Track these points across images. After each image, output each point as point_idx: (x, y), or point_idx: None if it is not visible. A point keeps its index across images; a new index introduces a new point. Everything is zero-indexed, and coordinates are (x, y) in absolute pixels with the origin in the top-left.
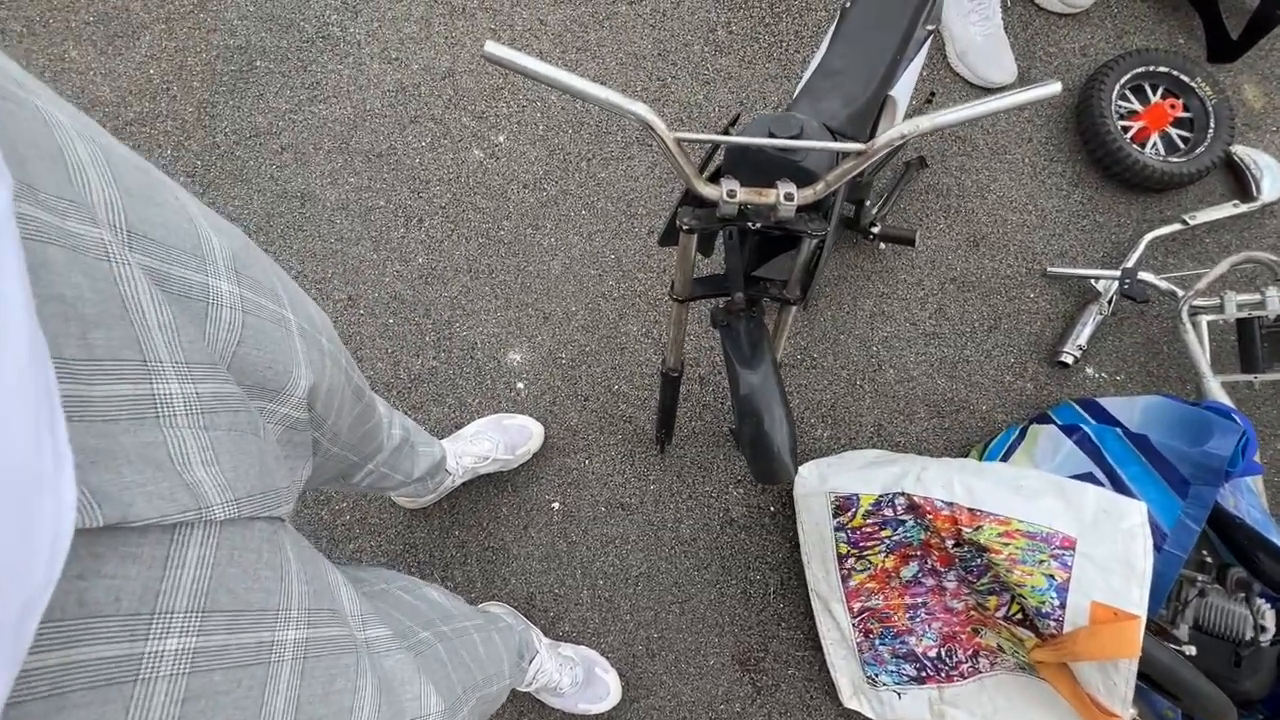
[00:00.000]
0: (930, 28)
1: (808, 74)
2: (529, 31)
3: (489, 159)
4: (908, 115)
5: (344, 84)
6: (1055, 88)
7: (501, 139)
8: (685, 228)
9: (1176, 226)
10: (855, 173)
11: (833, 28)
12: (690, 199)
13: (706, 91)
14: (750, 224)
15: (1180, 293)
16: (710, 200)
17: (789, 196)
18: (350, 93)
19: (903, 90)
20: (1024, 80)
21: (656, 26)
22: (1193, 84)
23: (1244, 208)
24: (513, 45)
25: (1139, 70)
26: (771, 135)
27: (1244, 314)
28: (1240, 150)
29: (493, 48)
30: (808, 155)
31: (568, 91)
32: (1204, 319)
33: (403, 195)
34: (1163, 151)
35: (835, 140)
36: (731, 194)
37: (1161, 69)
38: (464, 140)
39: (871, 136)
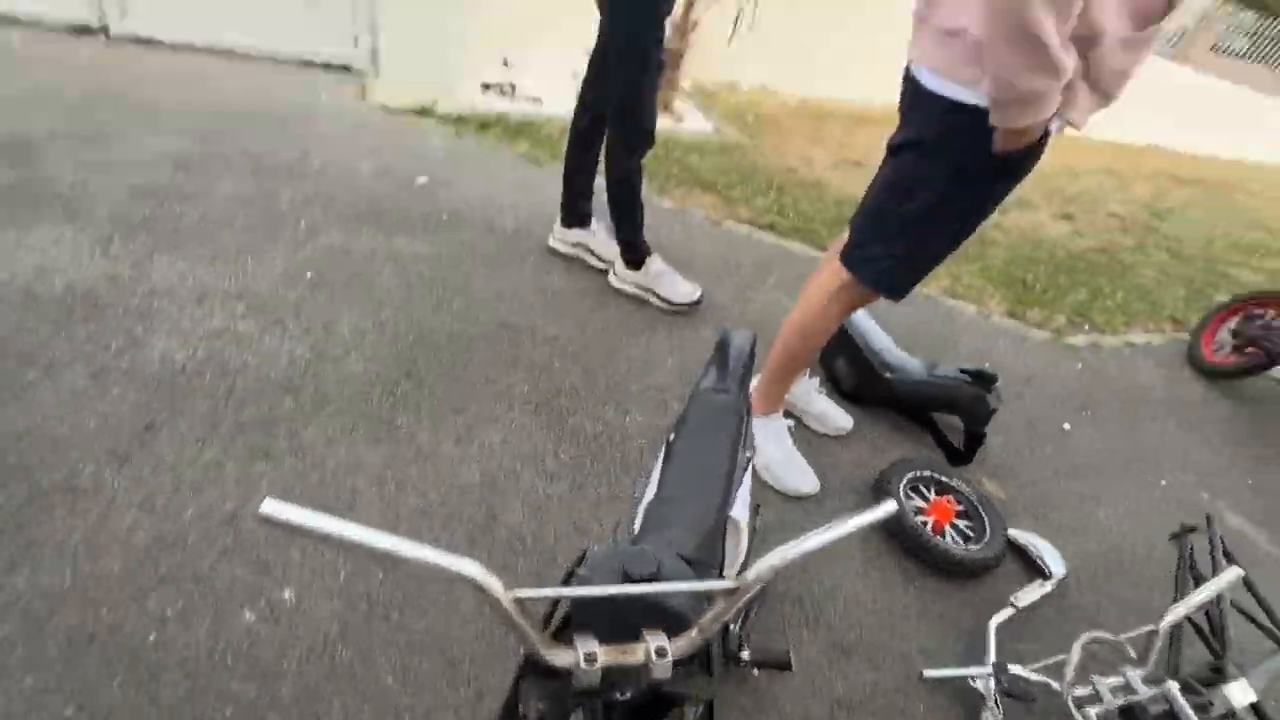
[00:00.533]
0: (748, 454)
1: (645, 502)
2: (343, 470)
3: (263, 622)
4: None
5: (71, 544)
6: (891, 507)
7: (287, 594)
8: (534, 713)
9: (1009, 611)
10: (729, 613)
11: (660, 457)
12: (534, 667)
13: (539, 519)
14: (618, 694)
15: (1054, 684)
16: (562, 669)
17: (661, 652)
18: (77, 554)
19: (740, 511)
20: (824, 485)
21: (483, 459)
22: (952, 483)
23: (1048, 585)
24: (322, 486)
25: (910, 475)
26: (628, 577)
27: (1121, 700)
28: (1017, 534)
29: (271, 507)
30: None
31: (372, 554)
32: (1091, 710)
33: (108, 694)
34: (960, 541)
35: (693, 571)
36: (591, 658)
37: (925, 472)
38: (231, 602)
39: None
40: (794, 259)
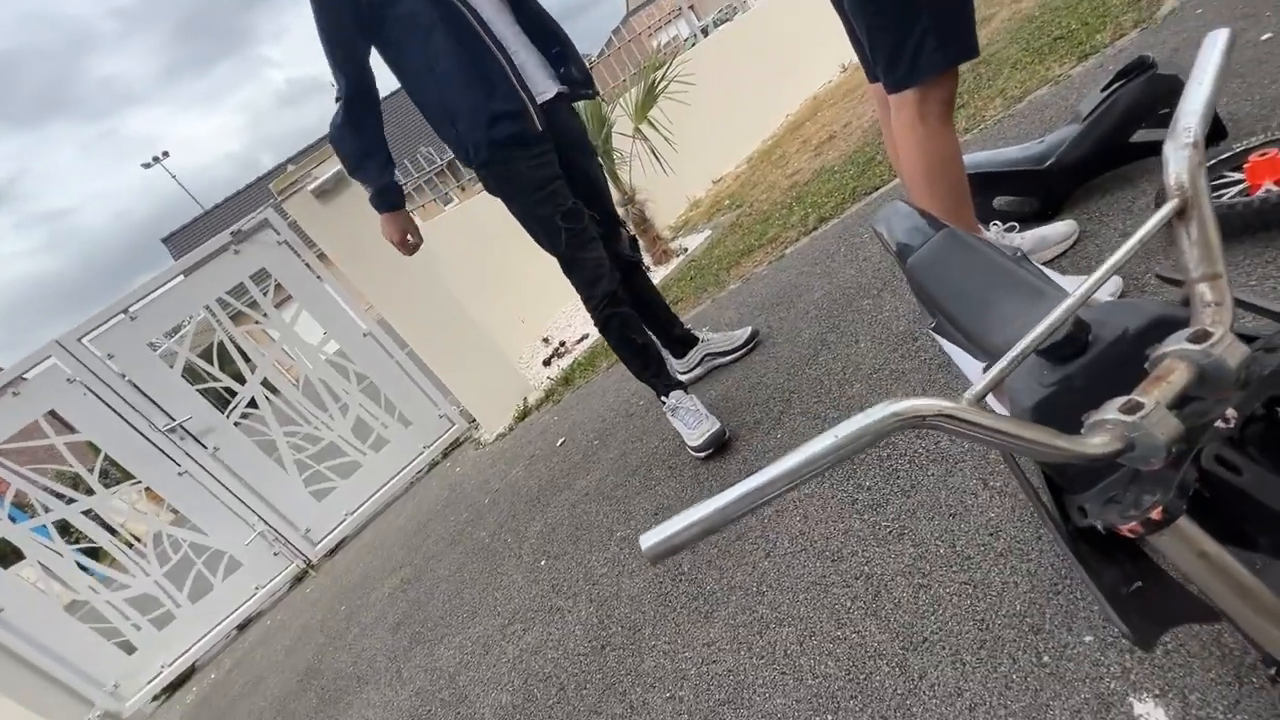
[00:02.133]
0: (1016, 248)
1: (981, 365)
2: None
3: None
4: None
5: None
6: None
7: None
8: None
9: None
10: None
11: (949, 342)
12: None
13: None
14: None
15: None
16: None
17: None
18: None
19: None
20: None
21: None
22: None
23: None
24: None
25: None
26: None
27: None
28: None
29: (650, 539)
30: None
31: (784, 482)
32: None
33: None
34: None
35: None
36: (1133, 406)
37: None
38: None
39: None
40: (874, 200)
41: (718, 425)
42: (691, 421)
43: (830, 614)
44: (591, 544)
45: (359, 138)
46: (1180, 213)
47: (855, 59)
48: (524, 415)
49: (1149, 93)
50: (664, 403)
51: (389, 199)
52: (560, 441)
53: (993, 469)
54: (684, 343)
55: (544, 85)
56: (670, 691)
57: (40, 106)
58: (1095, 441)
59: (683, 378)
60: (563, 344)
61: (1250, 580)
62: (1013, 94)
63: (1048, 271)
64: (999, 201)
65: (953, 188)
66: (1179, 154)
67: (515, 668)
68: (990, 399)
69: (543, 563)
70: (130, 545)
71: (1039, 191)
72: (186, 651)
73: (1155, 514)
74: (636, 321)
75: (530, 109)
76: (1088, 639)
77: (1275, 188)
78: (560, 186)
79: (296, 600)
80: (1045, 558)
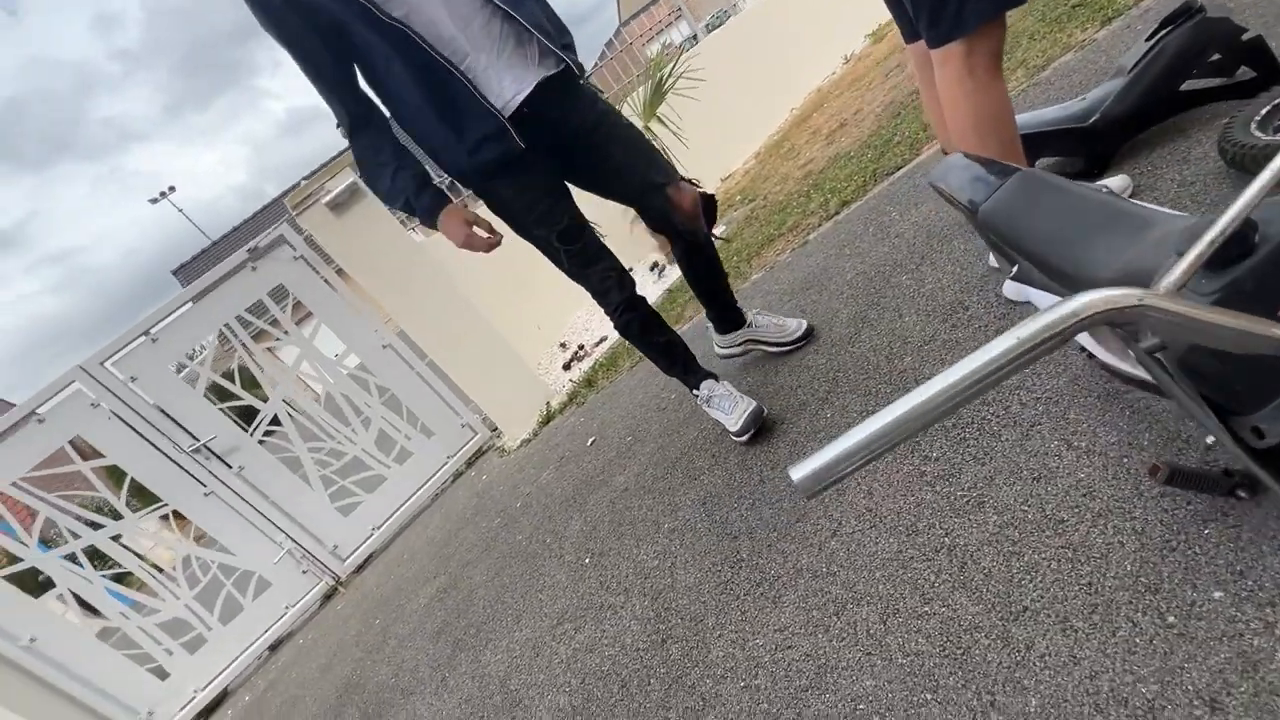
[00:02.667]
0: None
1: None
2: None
3: None
4: None
5: None
6: None
7: None
8: None
9: None
10: None
11: (1029, 286)
12: None
13: None
14: None
15: None
16: None
17: None
18: None
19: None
20: None
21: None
22: None
23: None
24: None
25: (1262, 112)
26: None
27: None
28: None
29: (799, 471)
30: None
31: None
32: None
33: None
34: None
35: None
36: None
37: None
38: None
39: None
40: (897, 180)
41: (754, 404)
42: (727, 407)
43: (913, 589)
44: (638, 538)
45: (378, 163)
46: None
47: (859, 49)
48: (548, 419)
49: (1198, 38)
50: (696, 395)
51: (423, 206)
52: (591, 441)
53: (1075, 429)
54: (731, 322)
55: (517, 83)
56: (745, 681)
57: (47, 149)
58: None
59: (720, 352)
60: (581, 347)
61: None
62: (1034, 64)
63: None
64: (1041, 163)
65: (1005, 142)
66: None
67: (570, 668)
68: (1086, 339)
69: (587, 560)
70: (159, 570)
71: (1084, 149)
72: (219, 674)
73: None
74: (656, 321)
75: (507, 127)
76: (1217, 595)
77: None
78: (552, 206)
79: (328, 617)
80: (1151, 514)
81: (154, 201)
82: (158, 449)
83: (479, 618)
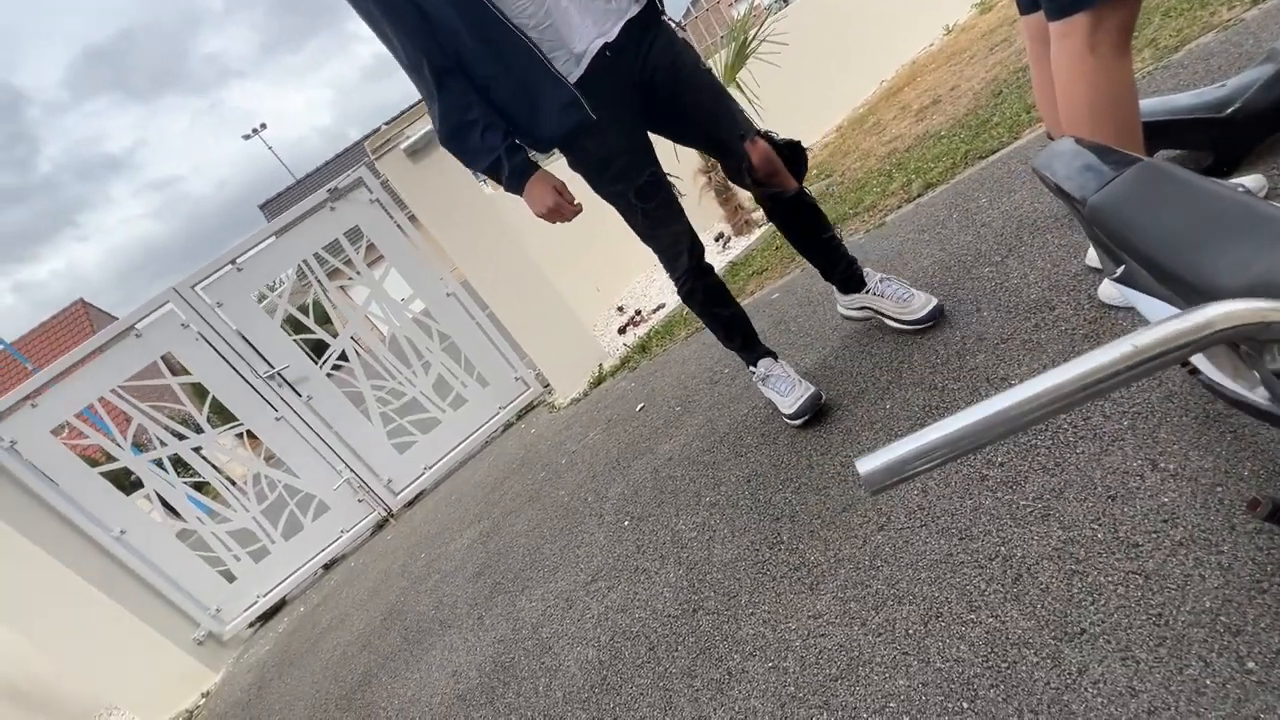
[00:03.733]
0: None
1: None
2: None
3: None
4: None
5: None
6: None
7: None
8: None
9: None
10: None
11: (1135, 291)
12: None
13: None
14: None
15: None
16: None
17: None
18: None
19: None
20: None
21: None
22: None
23: None
24: None
25: None
26: None
27: None
28: None
29: (866, 464)
30: None
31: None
32: None
33: None
34: None
35: None
36: None
37: None
38: None
39: None
40: (991, 164)
41: (813, 389)
42: (784, 388)
43: (960, 595)
44: (678, 508)
45: (465, 121)
46: None
47: (963, 20)
48: (599, 381)
49: None
50: (753, 372)
51: (515, 167)
52: (640, 406)
53: (1163, 449)
54: (851, 281)
55: (599, 26)
56: (773, 661)
57: (155, 81)
58: None
59: (842, 311)
60: (638, 313)
61: None
62: (1166, 44)
63: None
64: (1160, 156)
65: (1123, 129)
66: None
67: (600, 624)
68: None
69: (626, 523)
70: (232, 483)
71: (1215, 143)
72: (279, 584)
73: None
74: (721, 292)
75: (578, 96)
76: None
77: None
78: (630, 161)
79: (378, 545)
80: (1242, 551)
81: (246, 138)
82: (237, 372)
83: (517, 564)
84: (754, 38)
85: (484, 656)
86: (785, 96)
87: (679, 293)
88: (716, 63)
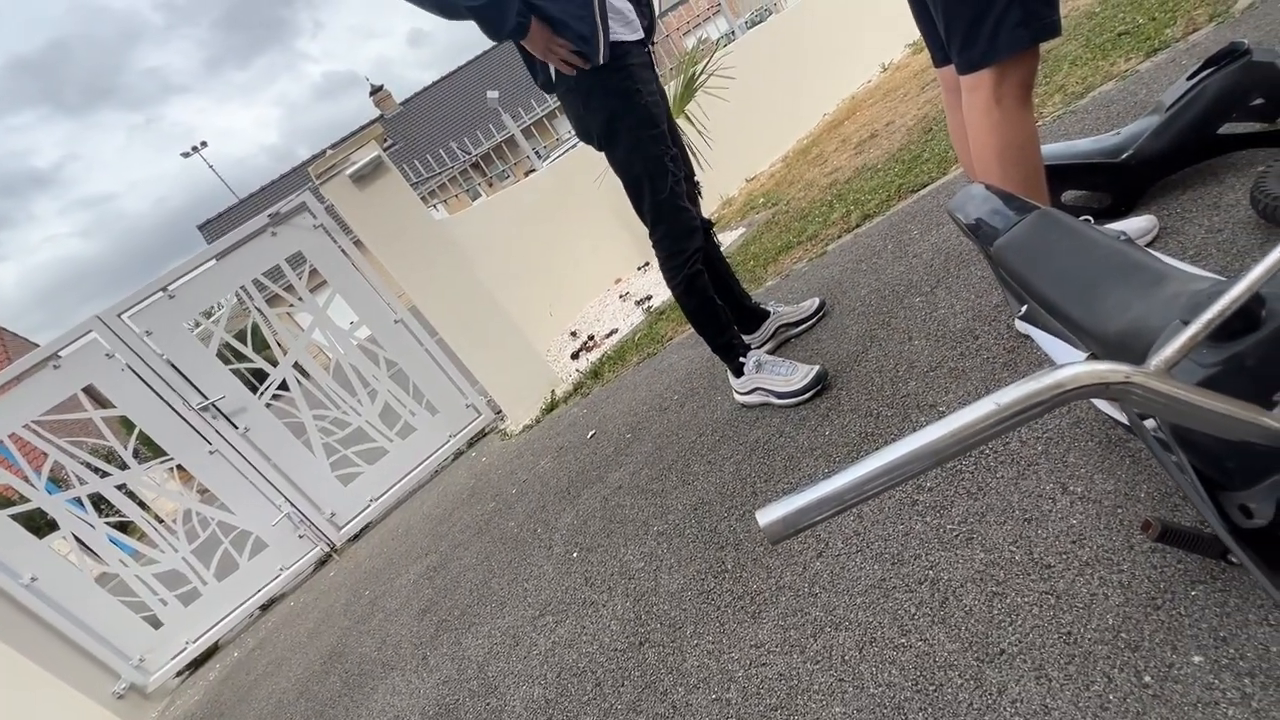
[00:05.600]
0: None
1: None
2: None
3: None
4: None
5: None
6: None
7: None
8: None
9: None
10: None
11: (1041, 333)
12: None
13: None
14: None
15: None
16: None
17: None
18: None
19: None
20: None
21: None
22: None
23: None
24: None
25: None
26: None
27: None
28: None
29: (766, 515)
30: None
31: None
32: None
33: None
34: None
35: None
36: None
37: None
38: None
39: None
40: (922, 198)
41: (819, 365)
42: (785, 370)
43: (892, 619)
44: (626, 538)
45: None
46: None
47: (898, 58)
48: (551, 408)
49: (1242, 81)
50: (743, 364)
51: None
52: (591, 434)
53: (1072, 473)
54: (755, 317)
55: (627, 27)
56: (716, 693)
57: (89, 94)
58: None
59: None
60: (591, 338)
61: None
62: (1073, 90)
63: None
64: (1067, 196)
65: (1029, 175)
66: None
67: (547, 660)
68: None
69: (574, 555)
70: (160, 521)
71: (1113, 186)
72: (211, 629)
73: None
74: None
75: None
76: (1197, 659)
77: None
78: (671, 129)
79: (320, 583)
80: (1140, 569)
81: (186, 156)
82: (167, 404)
83: (464, 600)
84: (702, 71)
85: (428, 700)
86: (734, 128)
87: (678, 281)
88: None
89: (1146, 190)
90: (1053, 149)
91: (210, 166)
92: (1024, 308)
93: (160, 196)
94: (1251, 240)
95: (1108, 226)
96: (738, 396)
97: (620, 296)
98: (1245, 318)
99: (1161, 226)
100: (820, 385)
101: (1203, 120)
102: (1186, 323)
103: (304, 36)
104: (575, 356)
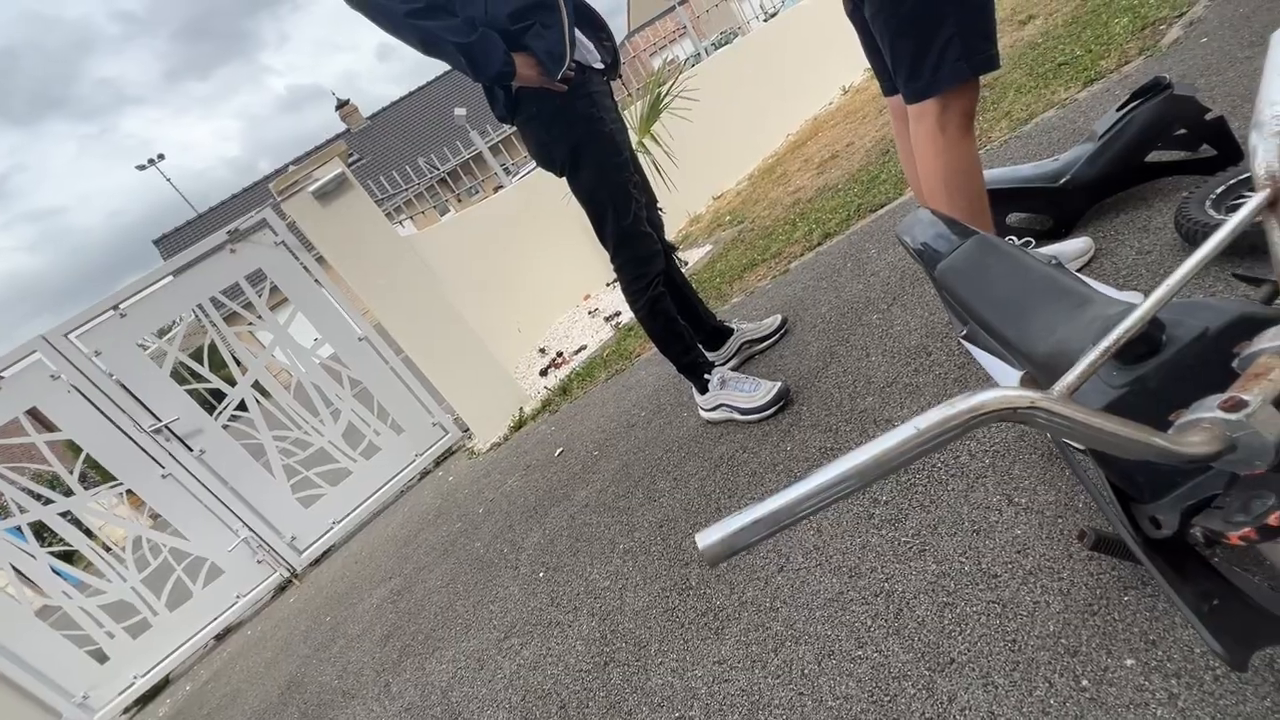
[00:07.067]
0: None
1: (1014, 372)
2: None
3: None
4: None
5: None
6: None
7: None
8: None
9: None
10: None
11: (980, 351)
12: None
13: None
14: None
15: None
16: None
17: None
18: None
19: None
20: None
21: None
22: None
23: None
24: None
25: (1216, 191)
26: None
27: None
28: None
29: (705, 538)
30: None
31: (857, 480)
32: None
33: None
34: None
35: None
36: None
37: (1220, 188)
38: None
39: None
40: (879, 218)
41: (780, 382)
42: (748, 387)
43: (849, 632)
44: (593, 556)
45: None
46: (1271, 204)
47: (857, 81)
48: (520, 425)
49: (1165, 113)
50: (707, 381)
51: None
52: (559, 451)
53: (1017, 484)
54: (719, 334)
55: (589, 53)
56: (680, 712)
57: (38, 104)
58: (1193, 441)
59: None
60: (560, 355)
61: None
62: (1019, 116)
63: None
64: (1013, 218)
65: (972, 199)
66: (1268, 143)
67: (512, 684)
68: None
69: (541, 575)
70: (107, 549)
71: (1053, 209)
72: (162, 662)
73: (1275, 519)
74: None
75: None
76: (1129, 663)
77: None
78: (632, 158)
79: (279, 610)
80: (1078, 577)
81: (142, 168)
82: (117, 426)
83: (429, 624)
84: (667, 93)
85: None
86: (697, 150)
87: (641, 305)
88: (631, 117)
89: (1084, 213)
90: (998, 173)
91: (168, 179)
92: (965, 328)
93: (114, 210)
94: (1176, 262)
95: (1044, 249)
96: (703, 413)
97: (589, 313)
98: (1147, 342)
99: (1097, 248)
100: (783, 401)
101: (1131, 148)
102: (1096, 345)
103: (268, 49)
104: (544, 373)
